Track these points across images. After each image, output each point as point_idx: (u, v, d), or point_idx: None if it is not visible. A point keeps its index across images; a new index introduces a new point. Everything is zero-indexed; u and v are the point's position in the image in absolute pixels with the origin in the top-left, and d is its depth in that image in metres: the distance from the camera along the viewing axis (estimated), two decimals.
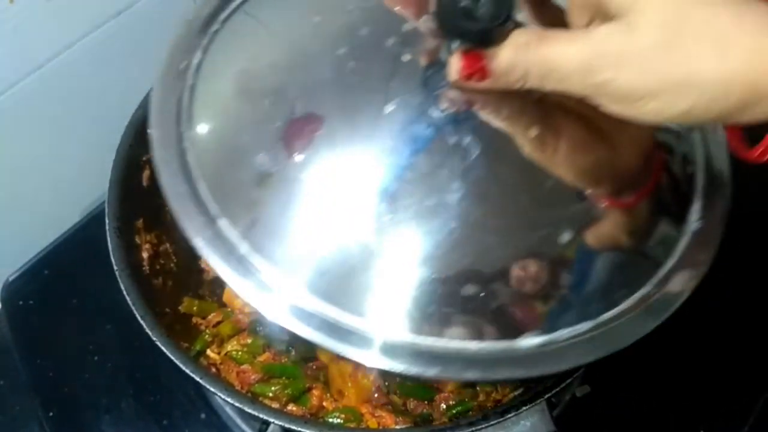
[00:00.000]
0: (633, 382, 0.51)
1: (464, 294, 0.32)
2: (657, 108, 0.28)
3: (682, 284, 0.34)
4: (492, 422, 0.39)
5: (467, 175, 0.32)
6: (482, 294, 0.32)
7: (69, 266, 0.57)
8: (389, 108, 0.33)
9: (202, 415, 0.51)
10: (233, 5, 0.39)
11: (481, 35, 0.30)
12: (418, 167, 0.32)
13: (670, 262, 0.35)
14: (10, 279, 0.56)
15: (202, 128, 0.36)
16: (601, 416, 0.50)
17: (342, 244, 0.32)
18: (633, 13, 0.27)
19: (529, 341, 0.32)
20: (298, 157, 0.33)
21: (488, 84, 0.31)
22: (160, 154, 0.35)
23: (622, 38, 0.27)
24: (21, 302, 0.55)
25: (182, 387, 0.52)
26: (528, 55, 0.29)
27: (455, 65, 0.31)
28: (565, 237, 0.33)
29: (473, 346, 0.32)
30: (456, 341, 0.32)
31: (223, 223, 0.33)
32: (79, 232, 0.58)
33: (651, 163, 0.36)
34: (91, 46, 0.58)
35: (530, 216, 0.33)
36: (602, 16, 0.28)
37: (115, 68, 0.61)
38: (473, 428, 0.39)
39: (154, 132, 0.36)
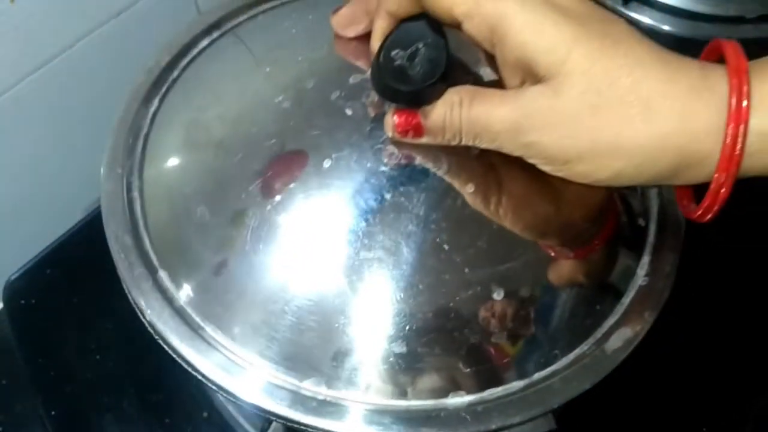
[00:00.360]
0: (636, 380, 0.51)
1: (395, 351, 0.31)
2: (586, 170, 0.28)
3: (620, 342, 0.33)
4: None
5: (405, 232, 0.32)
6: (414, 352, 0.31)
7: (71, 265, 0.57)
8: (327, 163, 0.33)
9: (205, 414, 0.51)
10: (193, 53, 0.40)
11: (414, 96, 0.30)
12: (359, 224, 0.32)
13: (612, 319, 0.34)
14: (12, 278, 0.56)
15: (149, 178, 0.36)
16: (603, 415, 0.50)
17: (268, 304, 0.32)
18: (561, 76, 0.27)
19: (459, 400, 0.31)
20: (238, 211, 0.33)
21: (424, 141, 0.31)
22: (107, 204, 0.36)
23: (549, 101, 0.27)
24: (23, 301, 0.55)
25: (184, 385, 0.52)
26: (461, 113, 0.29)
27: (390, 122, 0.31)
28: (499, 294, 0.32)
29: (402, 403, 0.31)
30: (382, 398, 0.31)
31: (164, 276, 0.34)
32: (81, 231, 0.58)
33: (603, 214, 0.35)
34: (91, 45, 0.58)
35: (465, 273, 0.32)
36: (532, 77, 0.28)
37: (116, 67, 0.61)
38: None
39: (103, 181, 0.36)
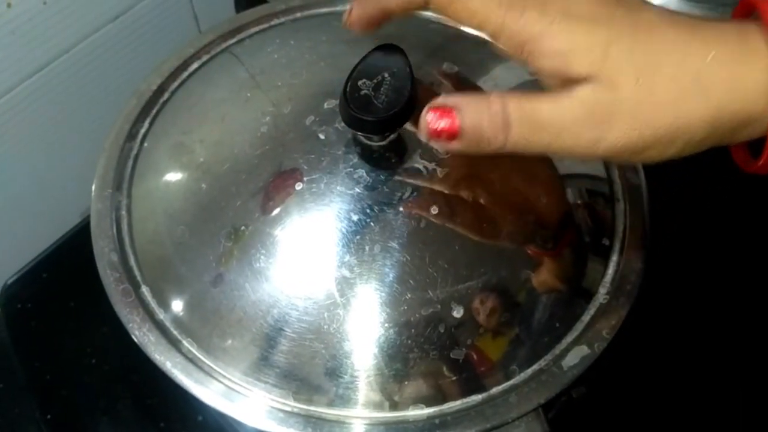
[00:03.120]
0: (630, 383, 0.51)
1: (358, 366, 0.33)
2: (654, 155, 0.28)
3: (577, 359, 0.34)
4: None
5: (371, 254, 0.33)
6: (378, 366, 0.33)
7: (67, 269, 0.57)
8: (299, 186, 0.34)
9: (200, 418, 0.51)
10: (183, 76, 0.42)
11: (379, 125, 0.31)
12: (332, 245, 0.33)
13: (571, 336, 0.35)
14: (9, 282, 0.56)
15: (137, 198, 0.38)
16: (597, 418, 0.50)
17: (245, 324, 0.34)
18: (608, 70, 0.27)
19: (419, 412, 0.33)
20: (216, 232, 0.35)
21: (458, 145, 0.28)
22: (96, 222, 0.37)
23: (609, 95, 0.27)
24: (19, 305, 0.55)
25: (179, 390, 0.52)
26: (509, 108, 0.28)
27: (423, 121, 0.28)
28: (458, 312, 0.33)
29: (366, 413, 0.33)
30: (345, 410, 0.33)
31: (146, 292, 0.36)
32: (78, 235, 0.58)
33: (561, 219, 0.37)
34: (89, 49, 0.58)
35: (428, 292, 0.33)
36: (572, 81, 0.28)
37: (113, 71, 0.61)
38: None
39: (93, 201, 0.38)
